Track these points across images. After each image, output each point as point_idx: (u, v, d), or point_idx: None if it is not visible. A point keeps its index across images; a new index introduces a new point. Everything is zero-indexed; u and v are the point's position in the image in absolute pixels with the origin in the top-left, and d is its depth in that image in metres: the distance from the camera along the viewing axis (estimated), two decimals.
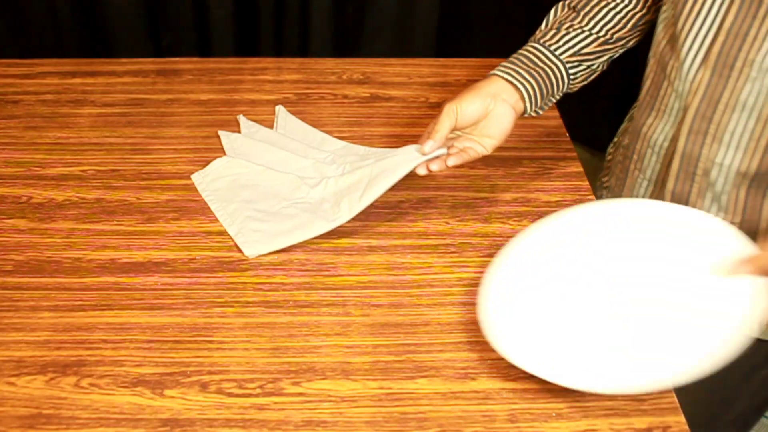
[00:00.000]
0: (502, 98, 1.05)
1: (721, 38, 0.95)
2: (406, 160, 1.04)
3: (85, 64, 1.36)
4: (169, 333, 0.94)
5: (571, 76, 1.10)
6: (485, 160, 1.20)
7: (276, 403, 0.88)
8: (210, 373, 0.90)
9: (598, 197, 1.13)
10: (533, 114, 1.09)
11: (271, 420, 0.86)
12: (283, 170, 1.14)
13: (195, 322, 0.96)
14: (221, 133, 1.20)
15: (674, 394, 0.90)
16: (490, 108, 1.05)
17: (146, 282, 1.00)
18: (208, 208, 1.10)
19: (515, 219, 1.11)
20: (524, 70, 1.07)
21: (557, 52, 1.09)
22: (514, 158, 1.21)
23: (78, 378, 0.89)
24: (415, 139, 1.23)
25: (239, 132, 1.22)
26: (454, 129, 1.04)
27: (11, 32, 1.81)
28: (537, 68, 1.08)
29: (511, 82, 1.06)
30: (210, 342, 0.93)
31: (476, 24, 1.92)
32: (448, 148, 1.05)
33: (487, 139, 1.06)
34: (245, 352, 0.92)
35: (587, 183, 1.17)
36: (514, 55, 1.10)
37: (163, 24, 1.83)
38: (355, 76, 1.36)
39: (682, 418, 0.87)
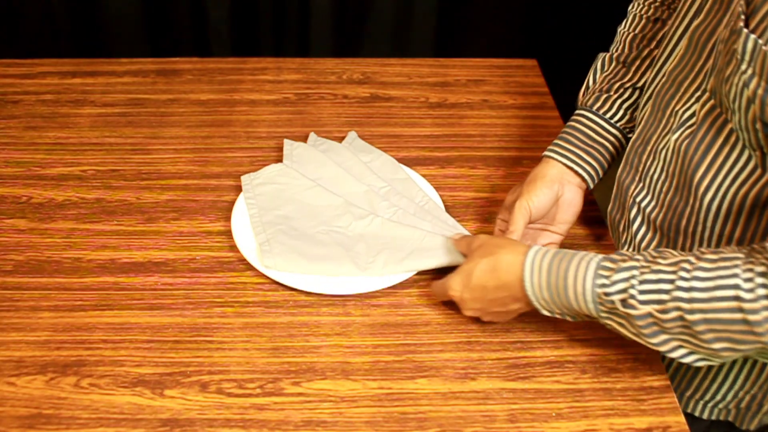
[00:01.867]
0: (567, 181, 1.03)
1: (663, 79, 0.93)
2: None
3: (85, 64, 1.36)
4: (169, 333, 0.94)
5: (631, 138, 1.03)
6: (485, 161, 1.20)
7: (276, 403, 0.88)
8: (210, 373, 0.90)
9: (598, 197, 1.13)
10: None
11: (271, 420, 0.86)
12: (333, 190, 1.10)
13: (195, 322, 0.96)
14: (286, 141, 1.18)
15: (674, 395, 0.90)
16: (560, 194, 1.02)
17: (146, 282, 1.00)
18: (209, 208, 1.10)
19: None
20: (582, 149, 1.04)
21: (613, 120, 1.05)
22: (514, 158, 1.21)
23: (78, 378, 0.89)
24: (415, 139, 1.23)
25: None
26: (528, 223, 1.01)
27: (9, 37, 1.81)
28: (595, 144, 1.04)
29: (570, 168, 1.03)
30: (210, 342, 0.93)
31: (476, 24, 1.92)
32: None
33: (561, 225, 1.04)
34: (245, 352, 0.92)
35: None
36: (568, 129, 1.06)
37: (162, 27, 1.83)
38: (355, 76, 1.36)
39: (682, 418, 0.87)
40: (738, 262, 0.76)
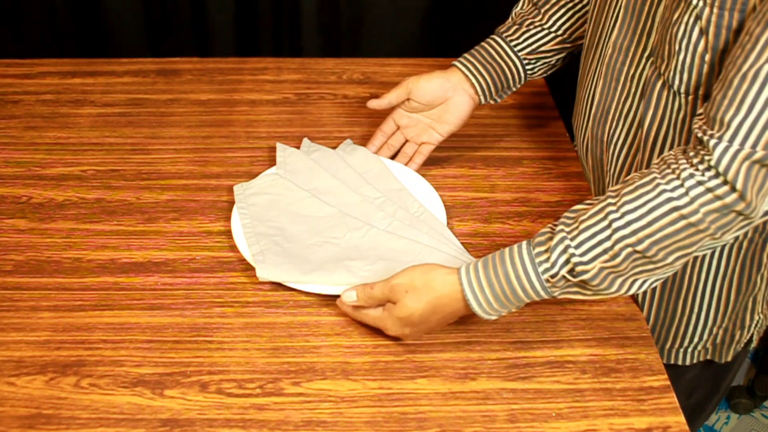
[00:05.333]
0: (462, 88, 1.13)
1: (609, 51, 0.98)
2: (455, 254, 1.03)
3: (85, 64, 1.36)
4: (169, 333, 0.94)
5: (529, 71, 1.16)
6: (485, 161, 1.20)
7: (276, 403, 0.88)
8: (210, 373, 0.90)
9: None
10: (491, 102, 1.16)
11: (271, 420, 0.86)
12: (328, 201, 1.09)
13: (195, 322, 0.96)
14: (279, 144, 1.18)
15: (674, 395, 0.90)
16: (449, 95, 1.13)
17: (146, 282, 1.00)
18: (209, 208, 1.10)
19: (515, 219, 1.11)
20: (481, 64, 1.14)
21: (516, 48, 1.14)
22: (514, 158, 1.21)
23: (78, 378, 0.89)
24: None
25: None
26: (410, 107, 1.14)
27: (10, 37, 1.81)
28: (494, 63, 1.14)
29: (466, 76, 1.13)
30: (210, 342, 0.93)
31: (476, 24, 1.92)
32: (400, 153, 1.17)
33: (444, 126, 1.14)
34: (245, 352, 0.92)
35: (587, 183, 1.17)
36: (478, 47, 1.16)
37: (163, 30, 1.83)
38: (355, 76, 1.36)
39: (681, 419, 0.87)
40: (656, 179, 0.81)
